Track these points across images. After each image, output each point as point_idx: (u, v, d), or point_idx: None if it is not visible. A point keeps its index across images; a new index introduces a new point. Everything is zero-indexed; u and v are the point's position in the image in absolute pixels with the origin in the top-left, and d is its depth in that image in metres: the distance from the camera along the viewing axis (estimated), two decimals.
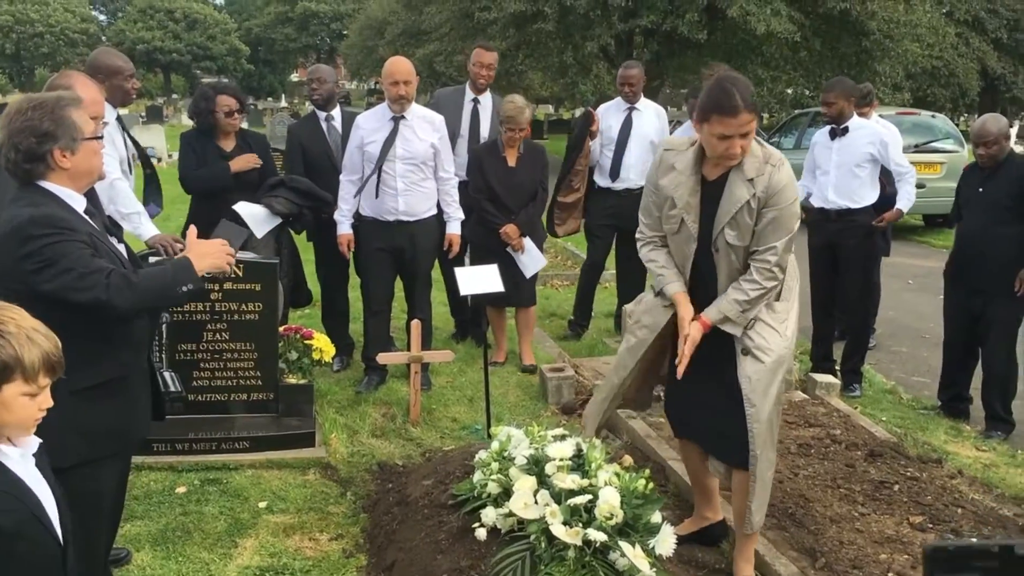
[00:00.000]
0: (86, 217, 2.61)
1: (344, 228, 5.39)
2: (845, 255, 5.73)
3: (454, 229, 5.52)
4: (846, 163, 5.65)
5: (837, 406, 5.18)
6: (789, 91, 23.01)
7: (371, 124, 5.25)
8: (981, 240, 5.12)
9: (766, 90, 22.49)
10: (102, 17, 71.70)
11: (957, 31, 25.44)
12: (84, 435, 2.59)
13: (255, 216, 5.08)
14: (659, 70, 22.38)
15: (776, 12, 18.84)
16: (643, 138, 6.40)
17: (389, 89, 5.14)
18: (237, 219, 5.04)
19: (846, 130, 5.68)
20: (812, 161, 5.92)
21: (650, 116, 6.50)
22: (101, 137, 2.59)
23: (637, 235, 3.47)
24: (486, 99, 6.16)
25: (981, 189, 5.15)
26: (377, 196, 5.24)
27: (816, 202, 5.84)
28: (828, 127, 5.85)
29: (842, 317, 6.18)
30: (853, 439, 4.65)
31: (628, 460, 4.33)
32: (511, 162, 5.74)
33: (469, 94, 6.15)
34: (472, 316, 6.34)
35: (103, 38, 64.25)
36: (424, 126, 5.26)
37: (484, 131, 6.11)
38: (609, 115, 6.50)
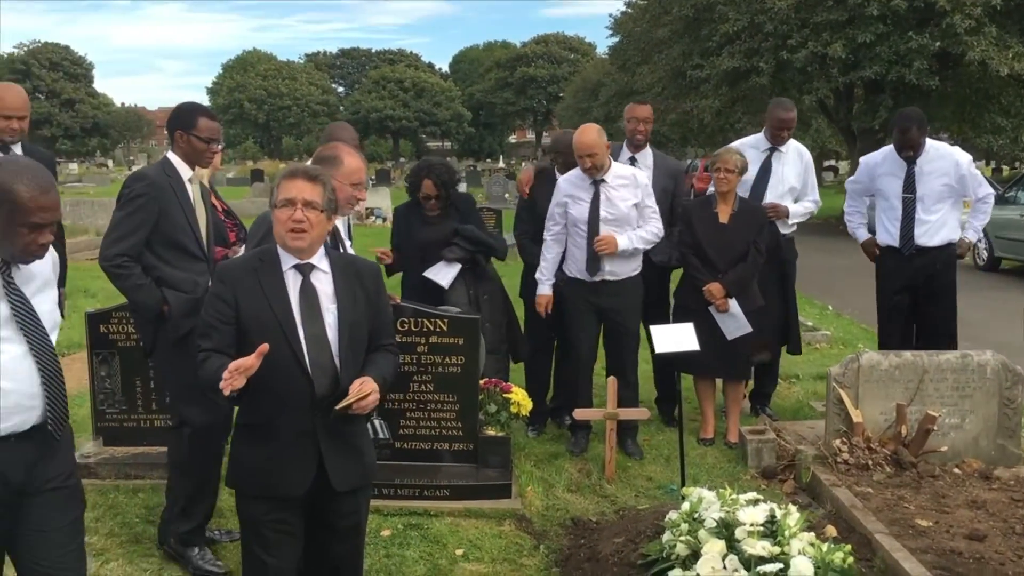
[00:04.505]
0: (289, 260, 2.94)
1: (544, 289, 5.46)
2: None
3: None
4: None
5: None
6: None
7: (574, 187, 5.37)
8: None
9: (1008, 140, 21.00)
10: (340, 89, 77.95)
11: None
12: (236, 464, 2.98)
13: (437, 271, 5.37)
14: (883, 123, 21.46)
15: (1019, 55, 17.64)
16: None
17: (578, 161, 5.27)
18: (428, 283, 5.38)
19: None
20: None
21: (792, 158, 6.05)
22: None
23: None
24: (644, 156, 5.92)
25: None
26: (587, 266, 5.31)
27: None
28: None
29: None
30: None
31: (831, 531, 4.13)
32: (723, 219, 5.52)
33: (625, 152, 5.92)
34: (664, 378, 6.11)
35: (341, 108, 69.82)
36: (625, 186, 5.32)
37: None
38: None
